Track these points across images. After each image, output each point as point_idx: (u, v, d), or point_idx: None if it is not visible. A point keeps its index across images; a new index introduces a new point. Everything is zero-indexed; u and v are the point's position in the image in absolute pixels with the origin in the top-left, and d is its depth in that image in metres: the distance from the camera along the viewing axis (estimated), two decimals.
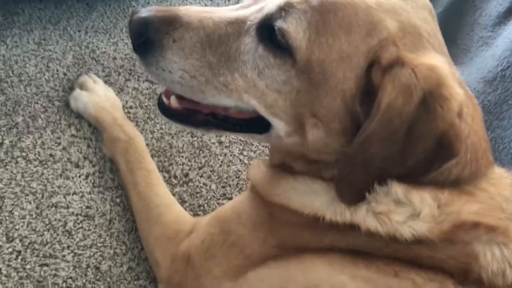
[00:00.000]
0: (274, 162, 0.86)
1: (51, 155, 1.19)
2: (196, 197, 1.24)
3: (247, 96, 0.73)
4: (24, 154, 1.17)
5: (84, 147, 1.23)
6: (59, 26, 1.46)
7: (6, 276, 1.00)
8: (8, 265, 1.02)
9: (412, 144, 0.64)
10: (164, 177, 1.23)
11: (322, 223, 0.73)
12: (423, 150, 0.65)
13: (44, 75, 1.33)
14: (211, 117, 0.80)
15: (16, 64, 1.33)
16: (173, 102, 0.80)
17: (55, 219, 1.10)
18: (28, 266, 1.02)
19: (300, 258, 0.76)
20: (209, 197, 1.24)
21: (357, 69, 0.67)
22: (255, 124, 0.78)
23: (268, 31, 0.69)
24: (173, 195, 1.20)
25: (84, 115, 1.25)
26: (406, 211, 0.69)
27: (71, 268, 1.05)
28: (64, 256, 1.06)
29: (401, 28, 0.68)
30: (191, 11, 0.73)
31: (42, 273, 1.02)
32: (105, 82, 1.35)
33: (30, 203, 1.11)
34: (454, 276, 0.68)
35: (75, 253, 1.07)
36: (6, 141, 1.18)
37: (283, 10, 0.67)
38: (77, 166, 1.19)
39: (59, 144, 1.22)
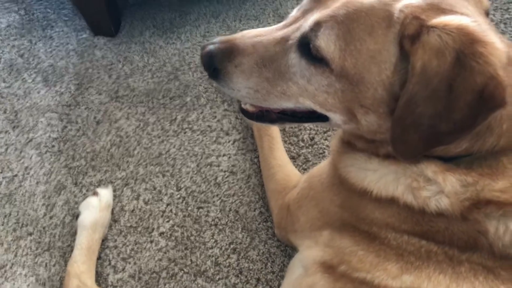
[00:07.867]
0: (344, 138, 0.97)
1: (209, 126, 1.56)
2: (319, 157, 1.47)
3: (302, 99, 0.84)
4: (190, 126, 1.57)
5: (233, 118, 1.57)
6: (220, 19, 1.81)
7: (175, 214, 1.41)
8: (177, 207, 1.42)
9: (454, 99, 0.66)
10: (293, 140, 1.49)
11: (370, 196, 0.85)
12: (466, 104, 0.66)
13: None
14: (282, 114, 0.94)
15: (187, 55, 1.73)
16: (249, 107, 0.97)
17: (209, 175, 1.47)
18: (189, 208, 1.41)
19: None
20: None
21: (390, 58, 0.73)
22: (317, 115, 0.89)
23: (306, 48, 0.78)
24: (299, 156, 1.47)
25: None
26: (434, 188, 0.78)
27: (218, 210, 1.40)
28: (214, 201, 1.42)
29: (419, 6, 0.71)
30: (245, 38, 0.86)
31: (198, 213, 1.40)
32: None
33: (193, 162, 1.50)
34: (459, 249, 0.76)
35: (221, 200, 1.42)
36: (178, 117, 1.59)
37: (314, 29, 0.76)
38: (227, 134, 1.54)
39: (215, 117, 1.58)
